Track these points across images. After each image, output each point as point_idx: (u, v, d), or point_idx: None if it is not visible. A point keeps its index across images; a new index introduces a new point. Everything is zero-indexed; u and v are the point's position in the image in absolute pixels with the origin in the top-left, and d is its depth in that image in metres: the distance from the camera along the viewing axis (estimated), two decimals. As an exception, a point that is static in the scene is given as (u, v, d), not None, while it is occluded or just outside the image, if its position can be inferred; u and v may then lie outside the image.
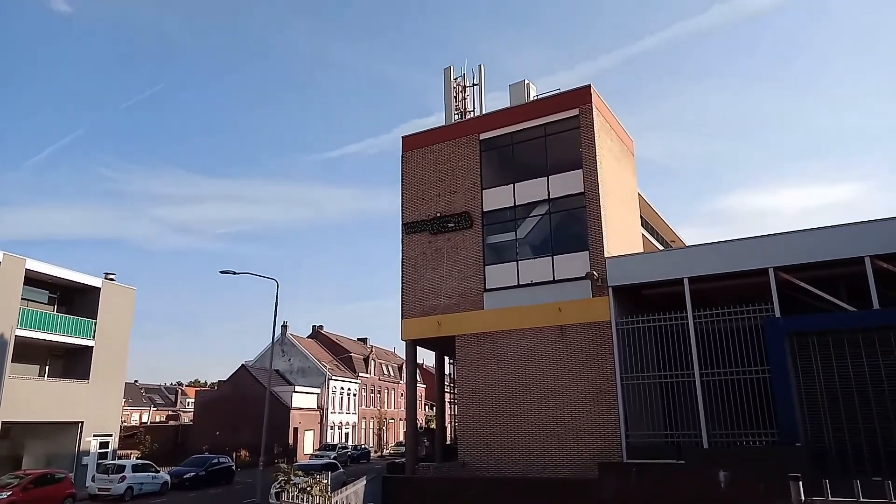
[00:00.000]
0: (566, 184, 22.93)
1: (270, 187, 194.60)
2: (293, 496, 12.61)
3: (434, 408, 29.91)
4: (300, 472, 15.28)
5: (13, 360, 27.99)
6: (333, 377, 58.29)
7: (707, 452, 18.33)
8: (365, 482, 21.05)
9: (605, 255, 21.48)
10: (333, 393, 58.19)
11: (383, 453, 59.26)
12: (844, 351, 17.45)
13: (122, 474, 27.09)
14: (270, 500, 22.30)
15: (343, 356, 64.36)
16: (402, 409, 63.22)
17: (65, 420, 30.49)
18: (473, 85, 28.73)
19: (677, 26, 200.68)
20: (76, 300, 32.91)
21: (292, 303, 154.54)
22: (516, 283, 22.90)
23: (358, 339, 73.98)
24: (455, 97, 28.16)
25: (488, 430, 22.10)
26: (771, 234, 19.56)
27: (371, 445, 60.77)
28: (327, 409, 56.51)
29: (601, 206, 22.06)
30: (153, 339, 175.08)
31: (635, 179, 28.40)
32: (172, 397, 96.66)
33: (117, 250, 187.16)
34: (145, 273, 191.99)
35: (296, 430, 50.98)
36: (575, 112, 23.26)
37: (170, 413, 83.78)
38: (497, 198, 24.12)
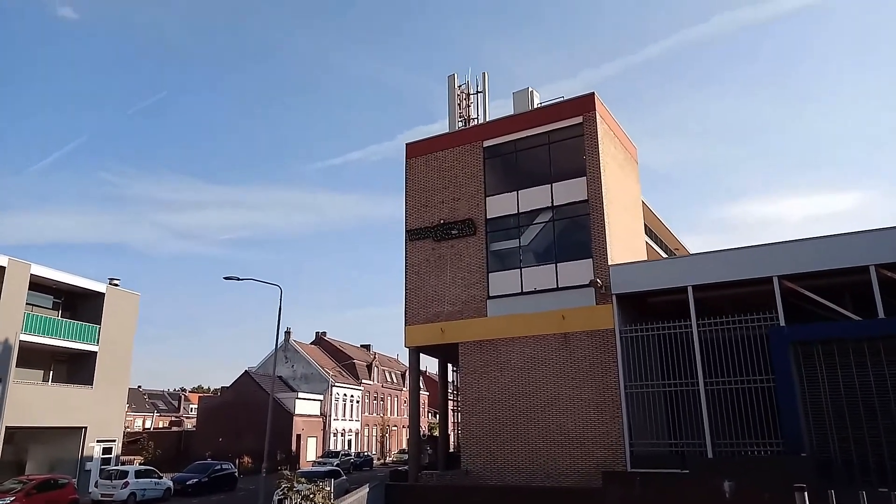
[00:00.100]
0: (570, 191, 22.95)
1: (272, 193, 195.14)
2: (296, 503, 12.60)
3: (437, 415, 29.87)
4: (303, 479, 15.30)
5: (17, 365, 27.99)
6: (336, 384, 58.21)
7: (711, 462, 18.23)
8: (368, 490, 21.04)
9: (609, 263, 21.47)
10: (336, 400, 58.10)
11: (386, 461, 59.08)
12: (849, 360, 17.35)
13: (125, 480, 27.05)
14: (273, 507, 22.25)
15: (346, 363, 64.27)
16: (406, 416, 63.17)
17: (68, 425, 30.50)
18: (477, 92, 28.87)
19: (679, 34, 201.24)
20: (80, 305, 32.95)
21: (294, 309, 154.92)
22: (520, 291, 22.89)
23: (361, 345, 73.85)
24: (459, 104, 28.30)
25: (492, 438, 22.05)
26: (775, 243, 19.54)
27: (374, 453, 60.57)
28: (330, 415, 56.39)
29: (605, 213, 22.06)
30: (154, 344, 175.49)
31: (639, 187, 28.40)
32: (175, 403, 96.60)
33: (118, 255, 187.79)
34: (146, 278, 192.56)
35: (299, 436, 50.88)
36: (578, 120, 23.31)
37: (173, 419, 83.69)
38: (501, 205, 24.15)
